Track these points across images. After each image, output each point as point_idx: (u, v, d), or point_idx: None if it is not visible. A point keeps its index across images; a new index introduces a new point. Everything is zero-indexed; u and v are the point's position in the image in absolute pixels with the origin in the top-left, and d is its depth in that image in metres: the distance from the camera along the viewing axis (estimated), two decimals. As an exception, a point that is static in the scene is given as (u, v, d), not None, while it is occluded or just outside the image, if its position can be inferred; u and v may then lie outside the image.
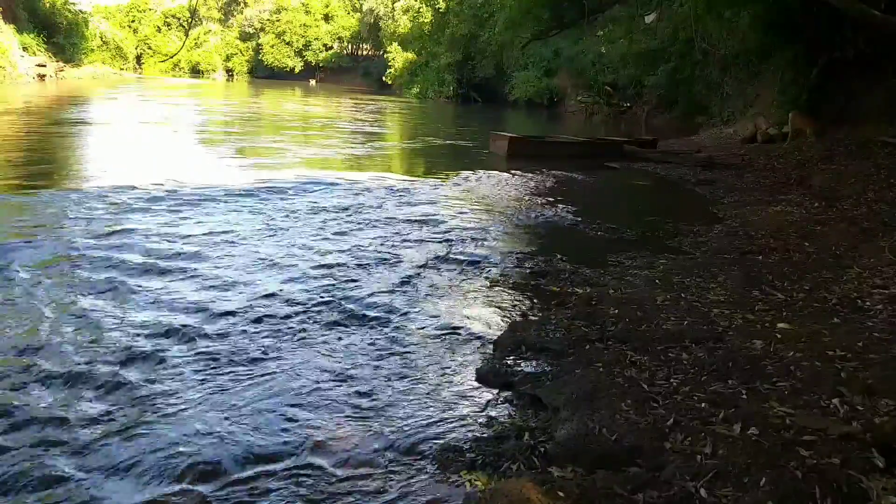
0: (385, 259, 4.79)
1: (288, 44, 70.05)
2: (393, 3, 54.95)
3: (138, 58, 70.65)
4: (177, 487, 2.11)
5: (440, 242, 5.37)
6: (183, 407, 2.59)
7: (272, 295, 3.89)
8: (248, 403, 2.64)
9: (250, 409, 2.60)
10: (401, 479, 2.19)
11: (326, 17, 69.99)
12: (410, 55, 44.87)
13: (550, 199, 7.63)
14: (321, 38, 69.18)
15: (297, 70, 69.47)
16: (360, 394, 2.78)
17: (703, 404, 2.58)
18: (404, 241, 5.40)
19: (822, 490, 1.97)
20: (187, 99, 27.67)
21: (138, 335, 3.23)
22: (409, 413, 2.64)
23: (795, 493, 1.98)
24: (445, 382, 2.93)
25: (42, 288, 3.81)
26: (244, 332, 3.35)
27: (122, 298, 3.73)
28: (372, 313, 3.69)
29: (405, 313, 3.74)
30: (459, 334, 3.47)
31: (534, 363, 3.10)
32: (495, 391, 2.87)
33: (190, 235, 5.16)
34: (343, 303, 3.82)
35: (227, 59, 75.03)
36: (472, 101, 36.09)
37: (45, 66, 34.36)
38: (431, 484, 2.17)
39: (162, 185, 7.03)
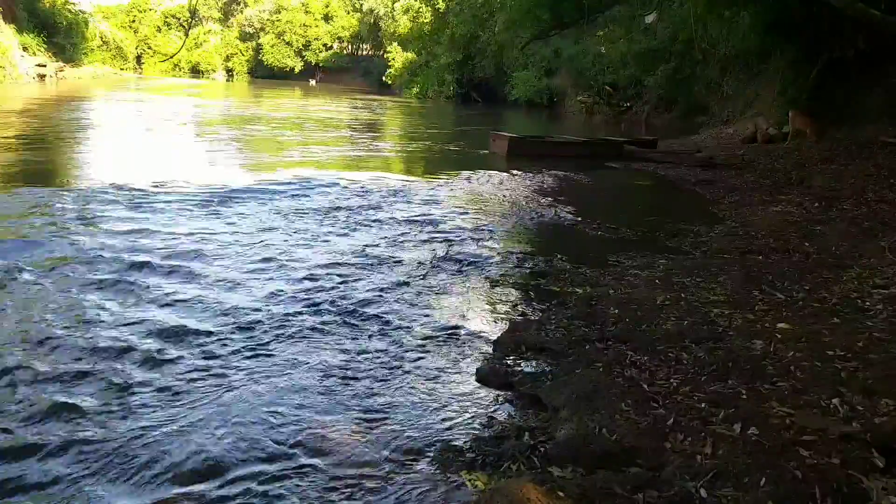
0: (385, 259, 4.79)
1: (288, 44, 70.02)
2: (393, 3, 54.92)
3: (138, 58, 70.61)
4: (176, 488, 2.11)
5: (440, 242, 5.37)
6: (182, 406, 2.59)
7: (272, 295, 3.89)
8: (247, 403, 2.64)
9: (250, 408, 2.59)
10: (401, 479, 2.19)
11: (326, 17, 69.95)
12: (410, 55, 44.84)
13: (550, 199, 7.63)
14: (321, 38, 69.15)
15: (297, 70, 69.44)
16: (359, 394, 2.78)
17: (703, 404, 2.58)
18: (404, 241, 5.40)
19: (822, 490, 1.97)
20: (187, 99, 27.67)
21: (138, 334, 3.23)
22: (409, 413, 2.63)
23: (795, 493, 1.98)
24: (445, 382, 2.93)
25: (43, 287, 3.81)
26: (244, 331, 3.35)
27: (122, 298, 3.73)
28: (372, 313, 3.69)
29: (405, 313, 3.74)
30: (459, 334, 3.46)
31: (534, 363, 3.10)
32: (495, 391, 2.86)
33: (190, 235, 5.16)
34: (343, 303, 3.82)
35: (227, 59, 75.03)
36: (472, 101, 36.09)
37: (45, 66, 34.31)
38: (431, 484, 2.17)
39: (163, 184, 7.04)
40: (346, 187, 7.68)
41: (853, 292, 4.04)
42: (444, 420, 2.59)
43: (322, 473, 2.20)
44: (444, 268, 4.68)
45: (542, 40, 20.15)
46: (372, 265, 4.63)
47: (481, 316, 3.77)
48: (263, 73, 69.75)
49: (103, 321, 3.38)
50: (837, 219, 6.38)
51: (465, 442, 2.42)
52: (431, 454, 2.34)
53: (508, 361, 3.11)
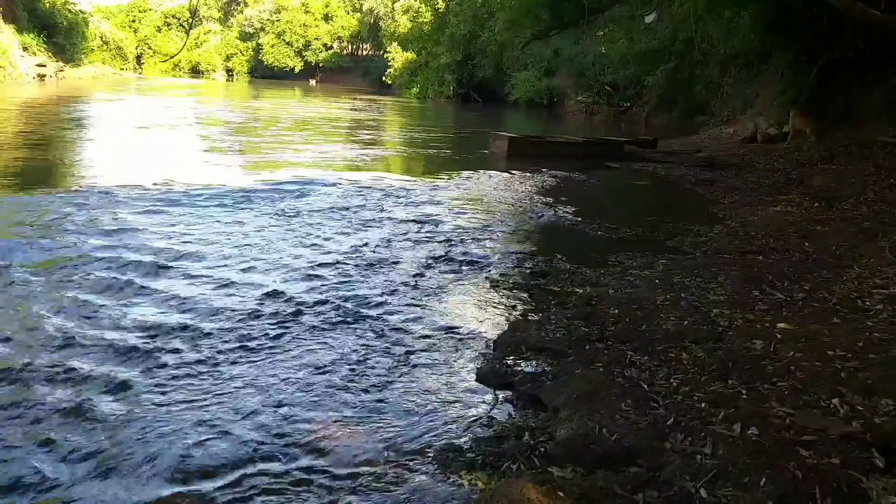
0: (385, 259, 4.79)
1: (288, 44, 70.13)
2: (393, 3, 54.98)
3: (138, 58, 70.66)
4: (176, 487, 2.10)
5: (440, 242, 5.37)
6: (182, 406, 2.59)
7: (271, 295, 3.88)
8: (246, 403, 2.63)
9: (249, 408, 2.59)
10: (401, 479, 2.19)
11: (326, 17, 70.03)
12: (410, 55, 44.88)
13: (550, 199, 7.63)
14: (321, 38, 69.25)
15: (296, 70, 69.54)
16: (359, 393, 2.77)
17: (703, 404, 2.58)
18: (404, 241, 5.40)
19: (822, 490, 1.97)
20: (187, 99, 27.67)
21: (138, 334, 3.23)
22: (409, 413, 2.63)
23: (795, 493, 1.98)
24: (445, 382, 2.93)
25: (42, 287, 3.81)
26: (243, 331, 3.35)
27: (121, 297, 3.73)
28: (371, 313, 3.69)
29: (405, 313, 3.74)
30: (459, 334, 3.46)
31: (534, 363, 3.09)
32: (495, 391, 2.86)
33: (190, 235, 5.16)
34: (342, 302, 3.81)
35: (227, 59, 75.15)
36: (472, 101, 36.12)
37: (45, 66, 34.28)
38: (431, 484, 2.17)
39: (162, 185, 7.03)
40: (346, 187, 7.68)
41: (853, 292, 4.04)
42: (444, 420, 2.59)
43: (322, 473, 2.20)
44: (444, 268, 4.68)
45: (542, 40, 20.14)
46: (372, 265, 4.62)
47: (481, 316, 3.77)
48: (263, 73, 69.86)
49: (101, 321, 3.38)
50: (837, 219, 6.38)
51: (465, 442, 2.42)
52: (431, 454, 2.33)
53: (508, 361, 3.11)
